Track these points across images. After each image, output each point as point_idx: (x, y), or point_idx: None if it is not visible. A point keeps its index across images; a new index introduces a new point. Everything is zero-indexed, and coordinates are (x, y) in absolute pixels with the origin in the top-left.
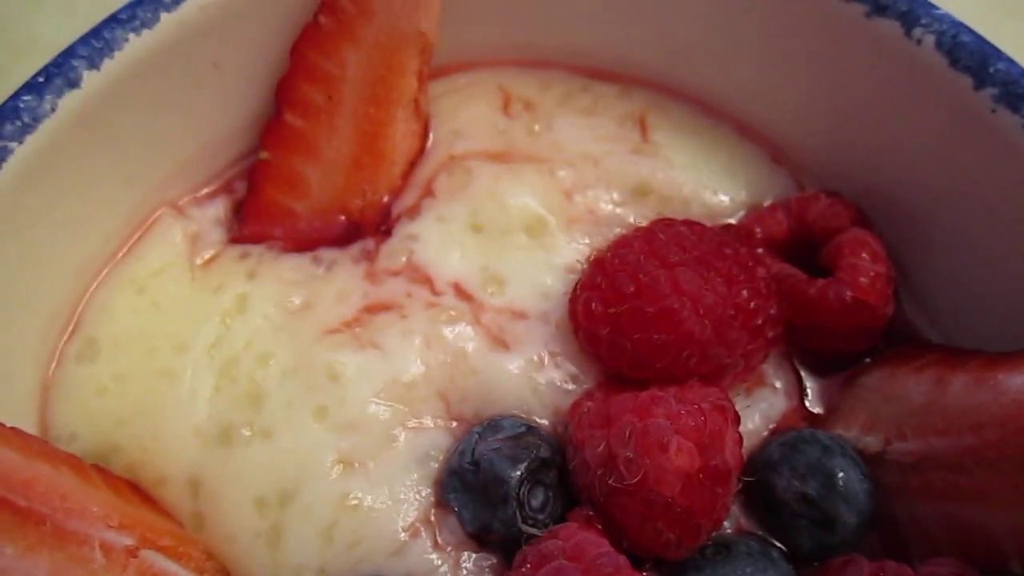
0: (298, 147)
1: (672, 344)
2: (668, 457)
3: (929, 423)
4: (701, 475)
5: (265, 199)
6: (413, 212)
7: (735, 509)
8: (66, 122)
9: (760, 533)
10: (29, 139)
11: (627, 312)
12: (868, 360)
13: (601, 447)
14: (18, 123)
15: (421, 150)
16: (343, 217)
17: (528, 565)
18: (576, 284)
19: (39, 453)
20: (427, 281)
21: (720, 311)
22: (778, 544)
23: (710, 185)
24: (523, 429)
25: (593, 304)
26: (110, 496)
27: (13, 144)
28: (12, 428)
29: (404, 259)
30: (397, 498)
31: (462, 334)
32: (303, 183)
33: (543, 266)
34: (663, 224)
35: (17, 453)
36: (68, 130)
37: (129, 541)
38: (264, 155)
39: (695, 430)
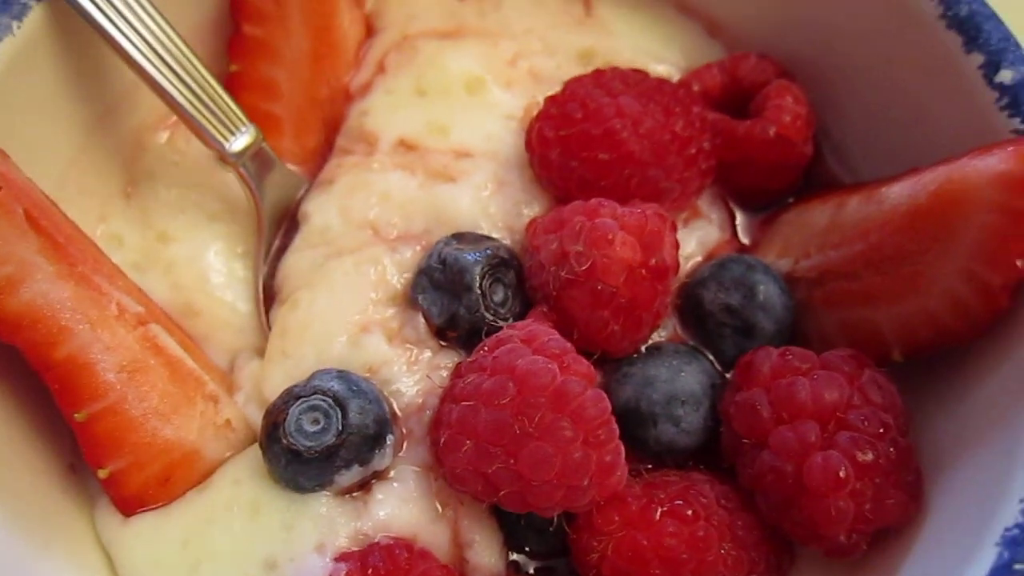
0: (262, 53)
1: (614, 163)
2: (614, 248)
3: (828, 240)
4: (643, 270)
5: (244, 106)
6: (365, 89)
7: (671, 323)
8: None
9: (692, 344)
10: None
11: (575, 135)
12: (791, 200)
13: (555, 245)
14: None
15: (368, 34)
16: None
17: (486, 348)
18: (531, 119)
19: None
20: (373, 142)
21: (658, 135)
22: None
23: (650, 52)
24: (483, 236)
25: (545, 130)
26: (133, 285)
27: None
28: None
29: (356, 133)
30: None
31: (402, 177)
32: (274, 85)
33: (484, 115)
34: (611, 68)
35: (65, 220)
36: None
37: (141, 310)
38: (234, 68)
39: (637, 228)
